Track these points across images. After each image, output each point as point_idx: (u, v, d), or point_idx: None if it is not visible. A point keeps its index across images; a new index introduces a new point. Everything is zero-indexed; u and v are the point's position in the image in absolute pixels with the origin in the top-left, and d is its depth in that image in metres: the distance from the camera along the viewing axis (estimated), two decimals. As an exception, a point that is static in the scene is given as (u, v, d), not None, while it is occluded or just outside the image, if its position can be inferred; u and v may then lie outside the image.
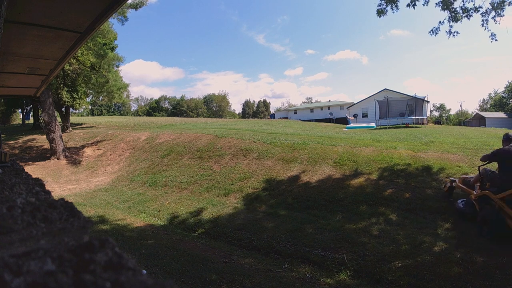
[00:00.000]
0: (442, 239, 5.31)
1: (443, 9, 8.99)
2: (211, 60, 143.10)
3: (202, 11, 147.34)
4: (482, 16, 8.74)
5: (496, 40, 8.91)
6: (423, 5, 9.41)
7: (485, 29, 8.83)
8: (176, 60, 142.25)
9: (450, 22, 9.15)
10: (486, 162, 5.50)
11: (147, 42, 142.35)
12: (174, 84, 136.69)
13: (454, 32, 9.25)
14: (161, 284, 0.33)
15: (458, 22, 9.06)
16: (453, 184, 6.37)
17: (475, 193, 5.58)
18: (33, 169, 13.56)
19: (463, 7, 8.83)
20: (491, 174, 5.40)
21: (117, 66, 20.64)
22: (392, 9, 9.13)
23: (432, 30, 9.53)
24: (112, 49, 19.52)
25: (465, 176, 6.33)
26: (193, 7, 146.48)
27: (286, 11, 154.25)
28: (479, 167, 5.61)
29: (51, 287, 0.31)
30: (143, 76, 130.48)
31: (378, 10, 9.19)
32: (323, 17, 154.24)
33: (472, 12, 8.76)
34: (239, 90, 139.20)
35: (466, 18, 8.93)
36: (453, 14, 8.93)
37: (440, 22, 9.33)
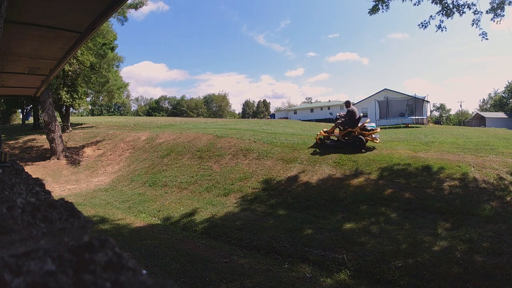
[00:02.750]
0: (442, 239, 5.32)
1: (434, 2, 8.90)
2: (215, 62, 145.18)
3: (206, 14, 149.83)
4: (475, 14, 8.68)
5: (487, 39, 8.83)
6: (415, 4, 9.37)
7: (476, 27, 8.80)
8: (181, 62, 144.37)
9: (441, 16, 9.08)
10: (342, 120, 10.20)
11: (155, 44, 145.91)
12: (179, 85, 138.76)
13: (443, 27, 9.18)
14: (161, 284, 0.33)
15: (449, 18, 8.99)
16: (320, 136, 10.79)
17: (337, 134, 10.28)
18: (33, 169, 13.56)
19: (454, 3, 8.77)
20: (342, 123, 10.10)
21: (117, 66, 20.65)
22: (383, 8, 9.10)
23: (422, 23, 9.45)
24: (112, 49, 19.51)
25: (325, 129, 10.98)
26: (197, 11, 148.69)
27: (287, 14, 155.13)
28: (335, 122, 10.41)
29: (51, 287, 0.31)
30: (151, 77, 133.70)
31: (371, 8, 9.15)
32: (324, 20, 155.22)
33: (464, 8, 8.69)
34: (241, 91, 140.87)
35: (458, 14, 8.87)
36: (445, 10, 8.86)
37: (431, 16, 9.26)
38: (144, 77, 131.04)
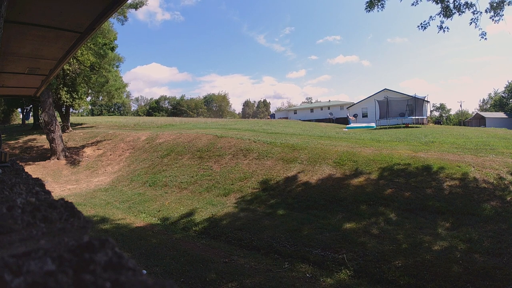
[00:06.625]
0: (442, 239, 5.32)
1: (434, 1, 8.77)
2: (220, 64, 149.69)
3: (208, 15, 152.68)
4: (474, 14, 8.60)
5: (485, 39, 8.75)
6: (413, 4, 9.28)
7: (475, 27, 8.72)
8: (187, 64, 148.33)
9: (441, 17, 8.96)
10: None
11: (165, 47, 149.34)
12: (185, 85, 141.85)
13: (445, 28, 9.00)
14: (161, 284, 0.33)
15: (449, 18, 8.88)
16: None
17: None
18: (33, 169, 13.56)
19: (456, 3, 8.67)
20: None
21: (117, 66, 20.63)
22: (378, 7, 9.02)
23: (421, 24, 9.24)
24: (112, 49, 19.51)
25: None
26: (200, 12, 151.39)
27: (287, 14, 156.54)
28: None
29: (51, 287, 0.31)
30: (157, 78, 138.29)
31: (368, 3, 9.02)
32: (324, 22, 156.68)
33: (464, 8, 8.60)
34: (244, 91, 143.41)
35: (457, 14, 8.77)
36: (444, 11, 8.76)
37: (431, 17, 9.10)
38: (152, 78, 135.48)
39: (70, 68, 17.48)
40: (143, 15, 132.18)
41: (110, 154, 15.10)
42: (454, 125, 44.20)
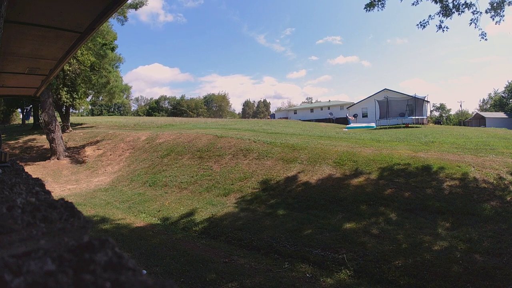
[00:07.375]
0: (442, 239, 5.32)
1: (433, 0, 8.71)
2: (220, 64, 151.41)
3: (210, 15, 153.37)
4: (474, 14, 8.56)
5: (486, 39, 8.71)
6: (413, 4, 9.25)
7: (475, 27, 8.68)
8: (189, 64, 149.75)
9: (440, 16, 8.92)
10: None
11: (167, 47, 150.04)
12: (186, 85, 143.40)
13: (444, 27, 8.89)
14: (161, 284, 0.33)
15: (449, 18, 8.83)
16: None
17: None
18: (33, 169, 13.56)
19: (455, 3, 8.64)
20: None
21: (117, 67, 20.65)
22: (378, 6, 8.99)
23: (420, 23, 9.14)
24: (112, 49, 19.52)
25: None
26: (202, 14, 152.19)
27: (288, 14, 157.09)
28: None
29: (51, 287, 0.31)
30: (158, 79, 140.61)
31: (368, 3, 8.97)
32: (325, 23, 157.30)
33: (463, 8, 8.57)
34: (244, 91, 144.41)
35: (457, 13, 8.74)
36: (444, 10, 8.71)
37: (430, 16, 9.05)
38: (153, 78, 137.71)
39: (70, 68, 17.49)
40: (146, 17, 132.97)
41: (110, 154, 15.10)
42: (454, 125, 44.20)
